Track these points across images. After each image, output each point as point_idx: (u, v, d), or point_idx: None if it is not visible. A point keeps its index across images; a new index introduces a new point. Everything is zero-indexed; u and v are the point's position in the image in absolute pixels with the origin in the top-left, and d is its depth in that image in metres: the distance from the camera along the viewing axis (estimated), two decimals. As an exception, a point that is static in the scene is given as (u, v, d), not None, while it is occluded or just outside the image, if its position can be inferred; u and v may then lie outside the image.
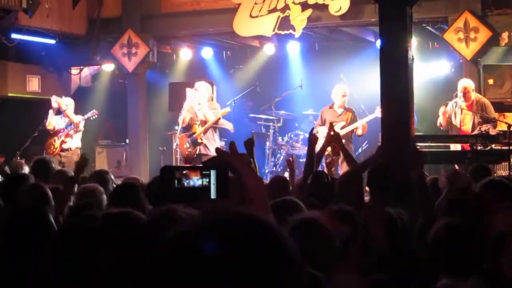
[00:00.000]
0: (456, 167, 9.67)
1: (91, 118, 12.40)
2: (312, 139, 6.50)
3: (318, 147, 6.79)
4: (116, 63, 13.91)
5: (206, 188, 2.60)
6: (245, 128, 13.72)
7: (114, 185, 6.56)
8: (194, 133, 11.67)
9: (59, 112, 12.26)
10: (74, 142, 12.18)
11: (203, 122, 11.71)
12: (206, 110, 11.70)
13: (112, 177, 7.00)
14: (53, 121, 12.13)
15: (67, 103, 12.20)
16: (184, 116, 11.73)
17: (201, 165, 2.82)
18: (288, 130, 13.71)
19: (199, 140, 11.59)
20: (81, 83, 14.96)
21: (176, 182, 2.62)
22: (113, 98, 14.65)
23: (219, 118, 11.76)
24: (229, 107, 12.20)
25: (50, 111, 12.20)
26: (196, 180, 2.62)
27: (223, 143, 11.89)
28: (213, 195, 2.60)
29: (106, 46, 13.73)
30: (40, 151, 11.87)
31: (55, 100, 12.18)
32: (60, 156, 11.95)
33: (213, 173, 2.61)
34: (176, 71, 15.58)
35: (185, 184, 2.61)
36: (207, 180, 2.61)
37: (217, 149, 2.61)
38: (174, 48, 15.18)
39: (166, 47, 15.00)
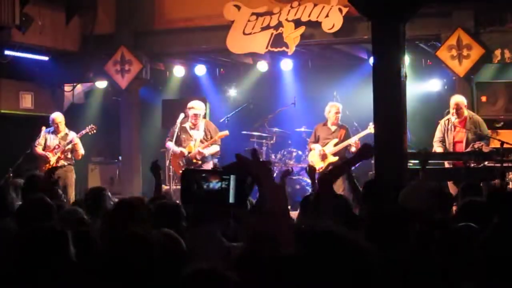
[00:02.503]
0: (449, 184, 9.68)
1: (90, 133, 12.35)
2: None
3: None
4: (109, 80, 13.87)
5: (225, 192, 2.63)
6: (238, 145, 13.67)
7: (112, 202, 6.51)
8: (189, 152, 11.62)
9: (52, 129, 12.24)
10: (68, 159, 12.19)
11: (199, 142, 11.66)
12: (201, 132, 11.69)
13: (109, 194, 6.98)
14: (47, 142, 12.10)
15: (71, 136, 12.14)
16: (174, 130, 11.70)
17: (221, 169, 2.84)
18: (281, 147, 13.66)
19: (194, 161, 11.55)
20: (74, 100, 14.92)
21: (195, 185, 2.66)
22: (106, 115, 14.60)
23: (215, 140, 11.69)
24: (227, 131, 11.99)
25: (43, 129, 12.16)
26: (215, 184, 2.65)
27: (215, 161, 11.80)
28: (231, 199, 2.63)
29: (99, 63, 13.67)
30: (32, 167, 11.79)
31: (55, 121, 12.15)
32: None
33: (232, 178, 2.64)
34: (169, 88, 15.56)
35: (205, 187, 2.65)
36: (226, 184, 2.64)
37: (238, 155, 2.63)
38: (167, 65, 15.16)
39: (159, 64, 14.97)
